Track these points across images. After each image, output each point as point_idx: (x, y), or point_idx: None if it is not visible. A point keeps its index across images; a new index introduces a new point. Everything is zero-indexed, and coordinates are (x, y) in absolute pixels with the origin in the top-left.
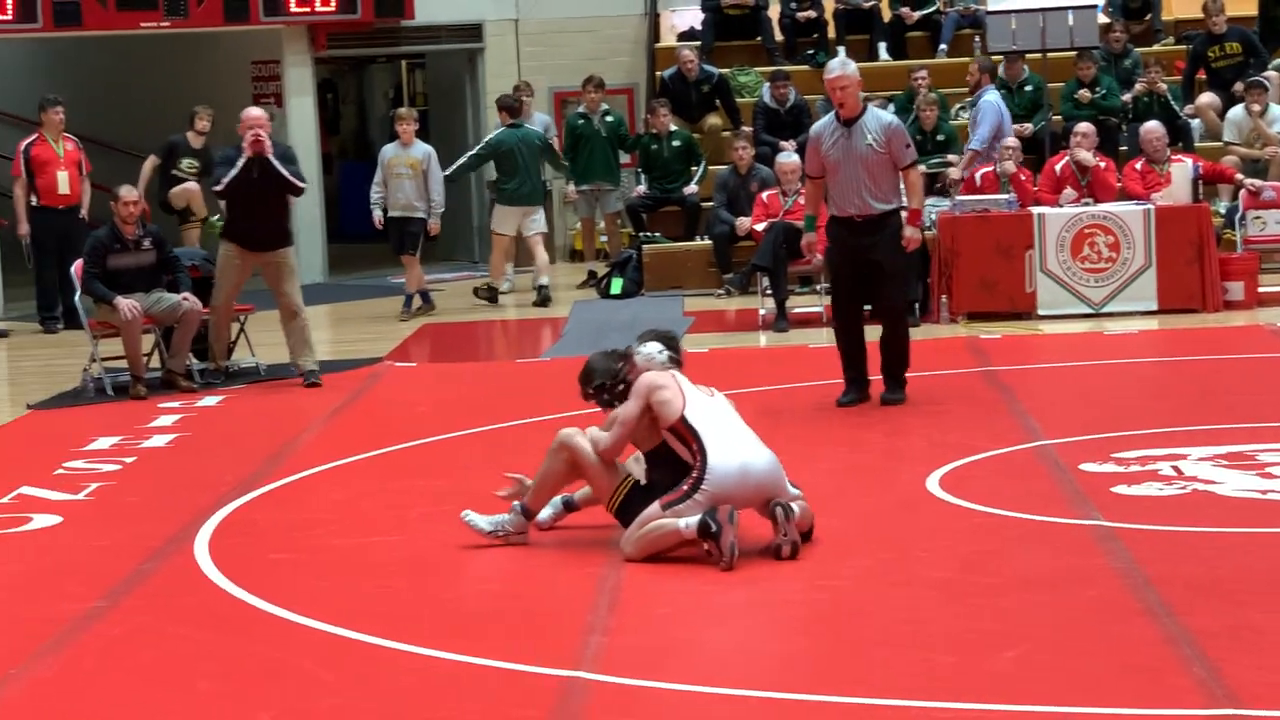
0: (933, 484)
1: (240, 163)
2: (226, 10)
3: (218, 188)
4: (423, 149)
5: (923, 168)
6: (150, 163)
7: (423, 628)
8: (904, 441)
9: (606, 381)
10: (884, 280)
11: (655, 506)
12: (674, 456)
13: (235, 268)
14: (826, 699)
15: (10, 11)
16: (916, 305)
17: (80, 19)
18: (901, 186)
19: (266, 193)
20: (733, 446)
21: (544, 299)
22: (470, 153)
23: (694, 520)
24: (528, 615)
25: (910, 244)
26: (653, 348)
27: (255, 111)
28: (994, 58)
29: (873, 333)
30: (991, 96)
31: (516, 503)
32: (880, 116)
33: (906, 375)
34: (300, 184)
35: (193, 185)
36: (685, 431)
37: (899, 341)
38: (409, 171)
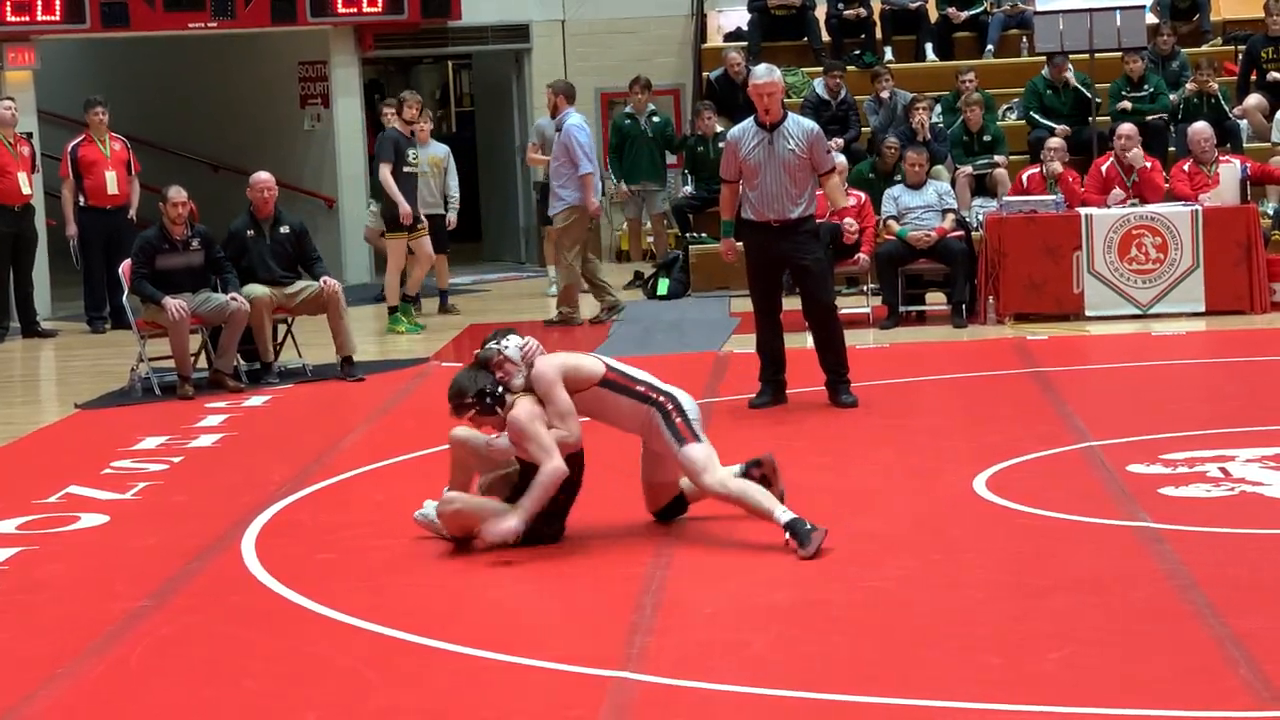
0: (979, 485)
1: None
2: (274, 11)
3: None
4: (443, 148)
5: (969, 168)
6: (388, 169)
7: (469, 627)
8: (950, 443)
9: (486, 387)
10: (806, 283)
11: (691, 447)
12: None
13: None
14: (871, 700)
15: (58, 12)
16: (963, 306)
17: (128, 20)
18: (816, 193)
19: (273, 257)
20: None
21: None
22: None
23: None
24: (573, 615)
25: (849, 233)
26: (514, 338)
27: (264, 175)
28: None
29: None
30: (575, 120)
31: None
32: (801, 122)
33: (849, 375)
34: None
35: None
36: (620, 378)
37: (830, 344)
38: (432, 169)
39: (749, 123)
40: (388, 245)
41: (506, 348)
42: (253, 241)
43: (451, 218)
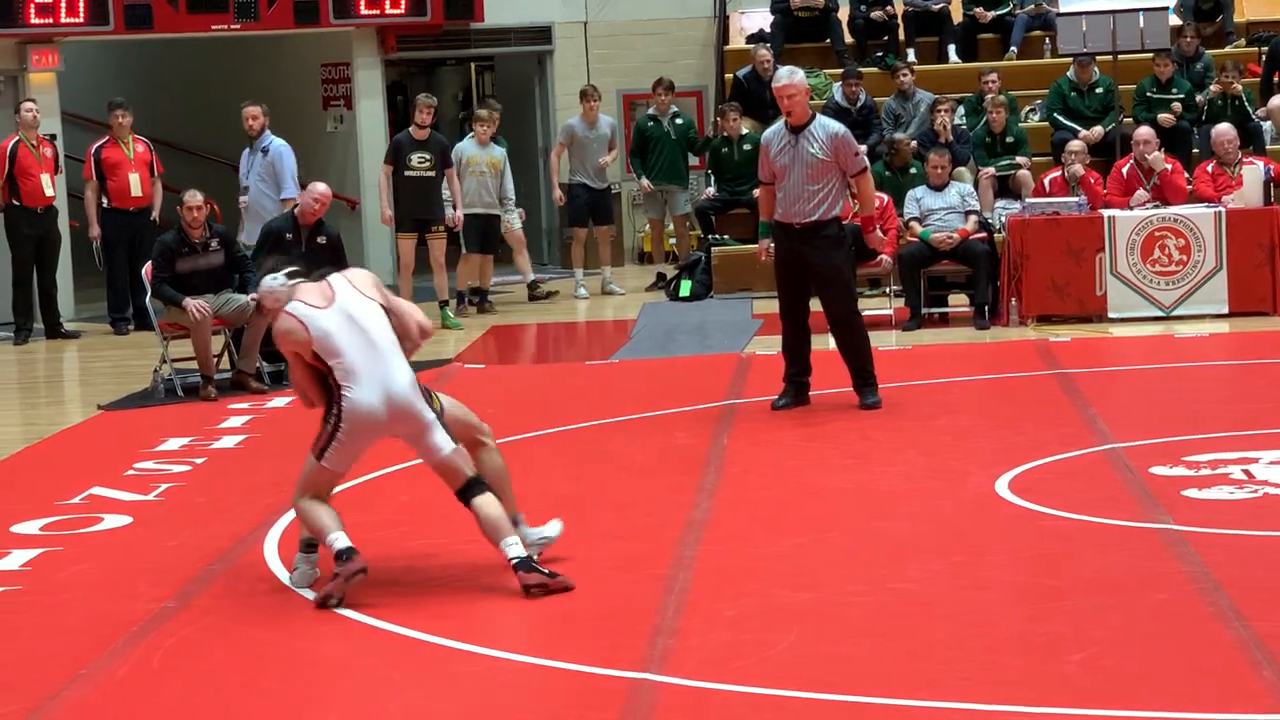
0: (1002, 487)
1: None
2: (297, 13)
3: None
4: (500, 150)
5: (992, 169)
6: (384, 173)
7: (491, 629)
8: (973, 444)
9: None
10: (825, 287)
11: (310, 456)
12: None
13: None
14: (894, 702)
15: (82, 14)
16: (986, 308)
17: (151, 22)
18: (842, 197)
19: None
20: (369, 374)
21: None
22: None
23: (340, 543)
24: (596, 617)
25: (873, 246)
26: (268, 280)
27: (321, 188)
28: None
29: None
30: (279, 141)
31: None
32: (827, 125)
33: (875, 378)
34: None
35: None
36: (318, 362)
37: (855, 345)
38: (490, 171)
39: (780, 124)
40: (399, 244)
41: (262, 293)
42: (289, 244)
43: (509, 219)
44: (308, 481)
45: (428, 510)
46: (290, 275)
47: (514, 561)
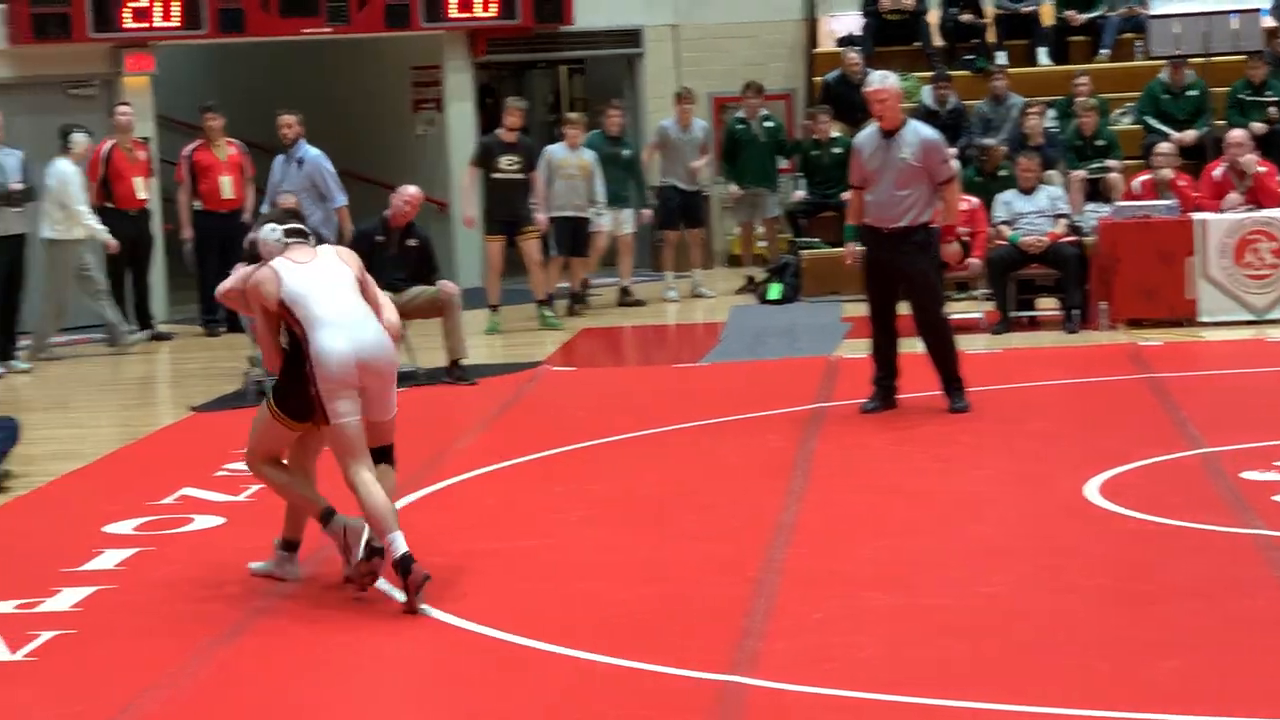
0: (1091, 491)
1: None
2: (387, 16)
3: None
4: (590, 152)
5: (1082, 173)
6: (469, 174)
7: (580, 631)
8: (1062, 448)
9: (248, 244)
10: (913, 293)
11: (325, 428)
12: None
13: None
14: (980, 705)
15: (176, 18)
16: (1076, 312)
17: (244, 25)
18: (933, 202)
19: (398, 266)
20: (337, 324)
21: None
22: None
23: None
24: (685, 619)
25: (949, 259)
26: (266, 230)
27: (412, 190)
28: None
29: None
30: (314, 151)
31: (276, 540)
32: (919, 130)
33: (963, 381)
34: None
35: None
36: (285, 313)
37: (943, 350)
38: (580, 173)
39: (873, 128)
40: (488, 247)
41: (259, 239)
42: (380, 247)
43: (601, 222)
44: (341, 448)
45: (515, 512)
46: (289, 233)
47: (373, 547)
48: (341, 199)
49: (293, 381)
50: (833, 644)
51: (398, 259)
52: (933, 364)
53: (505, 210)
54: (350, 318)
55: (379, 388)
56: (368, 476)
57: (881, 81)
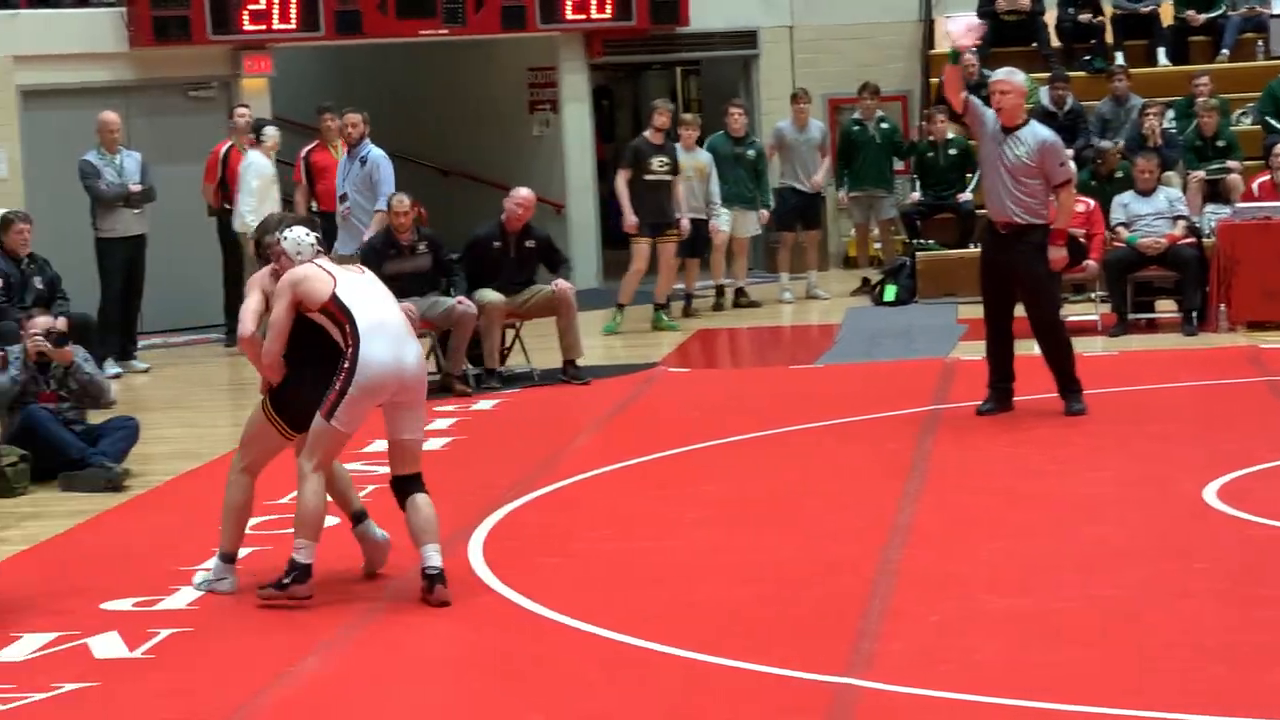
0: (1210, 494)
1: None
2: (504, 17)
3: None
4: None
5: (1202, 173)
6: (622, 178)
7: (693, 632)
8: (1181, 451)
9: (263, 239)
10: (1028, 294)
11: (319, 419)
12: (325, 347)
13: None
14: (1096, 709)
15: (294, 20)
16: (1195, 314)
17: (361, 27)
18: (1048, 204)
19: (515, 269)
20: (386, 335)
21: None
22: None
23: (305, 558)
24: (800, 620)
25: (1055, 264)
26: (299, 231)
27: (524, 192)
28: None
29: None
30: (378, 151)
31: (216, 550)
32: (1038, 132)
33: (1080, 384)
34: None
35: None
36: (337, 311)
37: (1056, 353)
38: (696, 175)
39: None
40: (636, 248)
41: (285, 239)
42: (498, 252)
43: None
44: (317, 445)
45: (629, 513)
46: (316, 241)
47: (429, 569)
48: (385, 203)
49: (297, 389)
50: (948, 646)
51: (516, 262)
52: (1049, 366)
53: (654, 212)
54: (398, 332)
55: (411, 404)
56: (320, 480)
57: (1008, 75)
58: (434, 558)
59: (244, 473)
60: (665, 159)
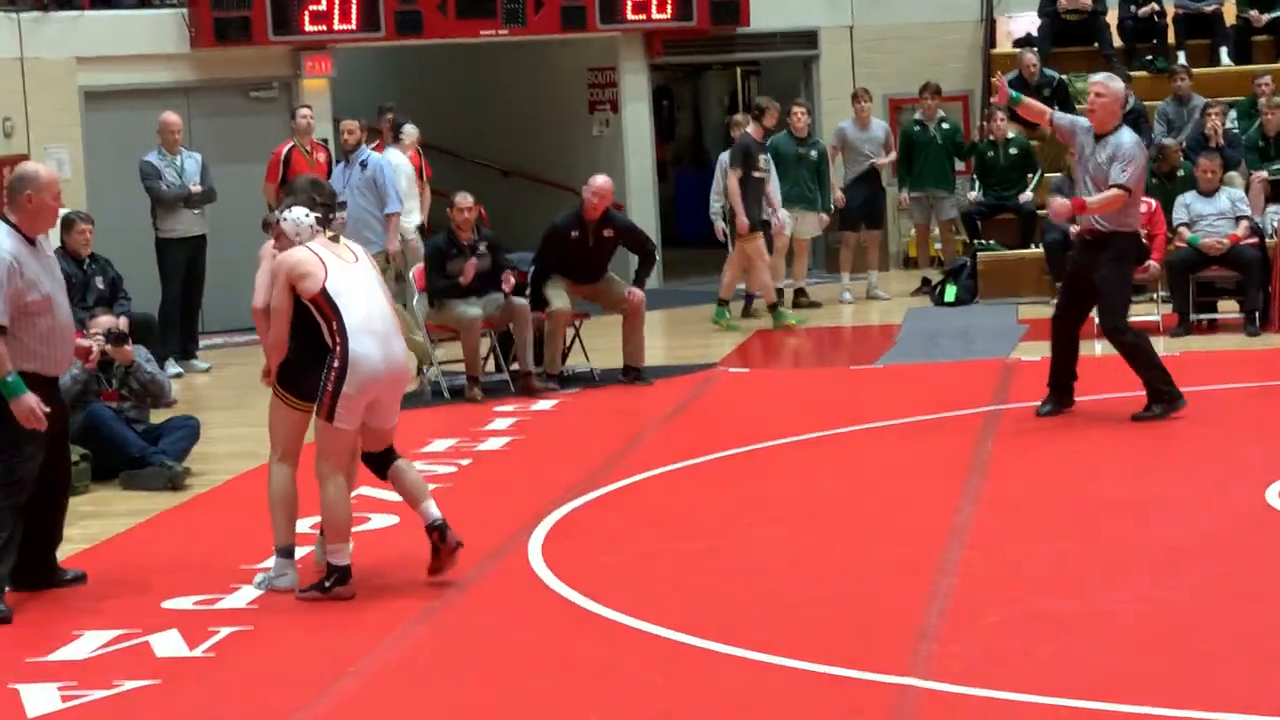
0: (1273, 496)
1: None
2: (564, 18)
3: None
4: (765, 155)
5: (1264, 174)
6: (734, 177)
7: (754, 632)
8: (1243, 452)
9: (273, 219)
10: (1098, 299)
11: (320, 422)
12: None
13: (565, 282)
14: (1155, 711)
15: (354, 21)
16: (1257, 314)
17: (421, 27)
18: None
19: (595, 256)
20: (373, 333)
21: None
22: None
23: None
24: (860, 621)
25: (1053, 210)
26: (299, 213)
27: (601, 180)
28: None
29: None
30: (377, 155)
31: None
32: (1121, 137)
33: (1158, 388)
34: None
35: None
36: (325, 306)
37: (1130, 359)
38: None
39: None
40: (750, 245)
41: (285, 219)
42: (575, 241)
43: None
44: (327, 447)
45: (689, 513)
46: (318, 220)
47: (435, 522)
48: (395, 205)
49: (302, 363)
50: (1008, 648)
51: (593, 251)
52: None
53: (760, 209)
54: (385, 328)
55: (391, 398)
56: (341, 482)
57: (1107, 79)
58: (435, 510)
59: (280, 462)
60: (767, 157)
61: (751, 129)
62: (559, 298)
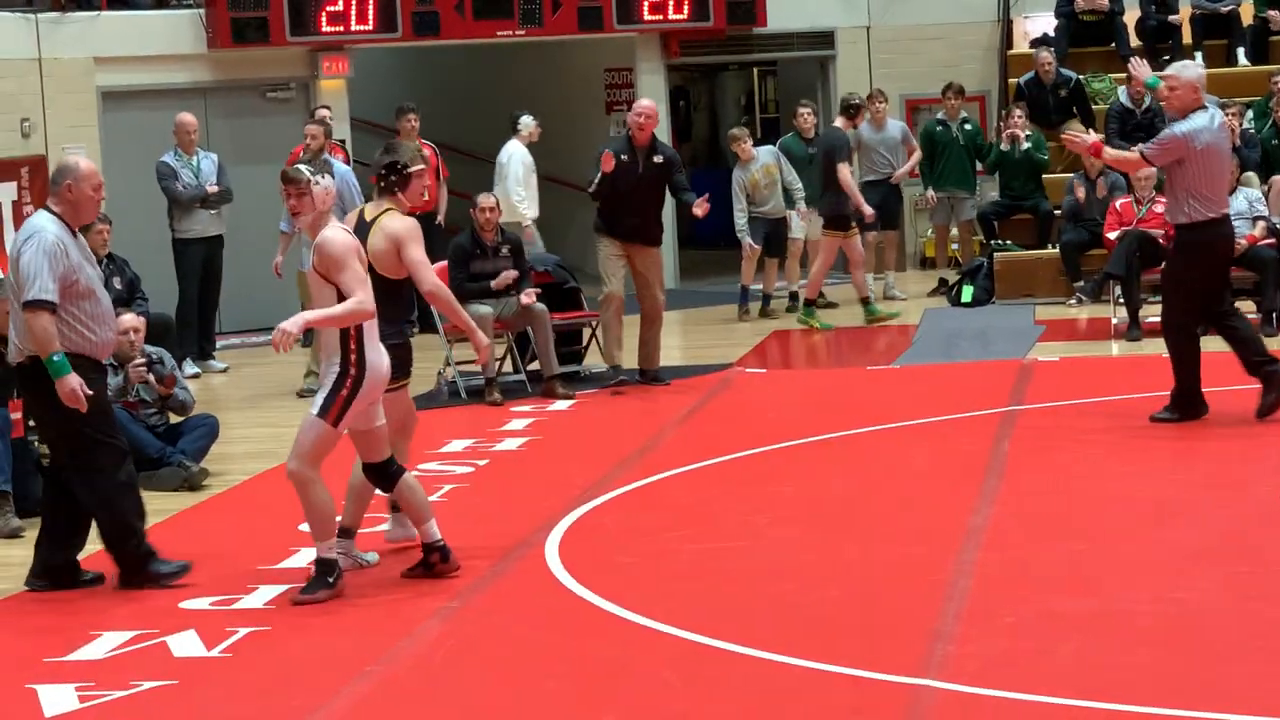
0: None
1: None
2: (581, 18)
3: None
4: (769, 151)
5: None
6: (845, 169)
7: (769, 632)
8: (1261, 453)
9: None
10: (1162, 294)
11: (322, 424)
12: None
13: (616, 258)
14: (1172, 712)
15: (371, 21)
16: (1274, 314)
17: (438, 28)
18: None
19: (647, 186)
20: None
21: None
22: None
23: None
24: (875, 621)
25: (1068, 140)
26: (330, 182)
27: (646, 102)
28: None
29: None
30: (339, 163)
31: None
32: (1174, 124)
33: (1187, 397)
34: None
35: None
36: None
37: (1172, 356)
38: (767, 179)
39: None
40: (823, 242)
41: (318, 183)
42: (629, 167)
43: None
44: (320, 448)
45: (705, 513)
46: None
47: (437, 543)
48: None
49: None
50: (1024, 648)
51: (646, 181)
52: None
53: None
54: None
55: (378, 400)
56: (320, 484)
57: (1180, 69)
58: (437, 531)
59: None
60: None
61: (840, 123)
62: (614, 277)
